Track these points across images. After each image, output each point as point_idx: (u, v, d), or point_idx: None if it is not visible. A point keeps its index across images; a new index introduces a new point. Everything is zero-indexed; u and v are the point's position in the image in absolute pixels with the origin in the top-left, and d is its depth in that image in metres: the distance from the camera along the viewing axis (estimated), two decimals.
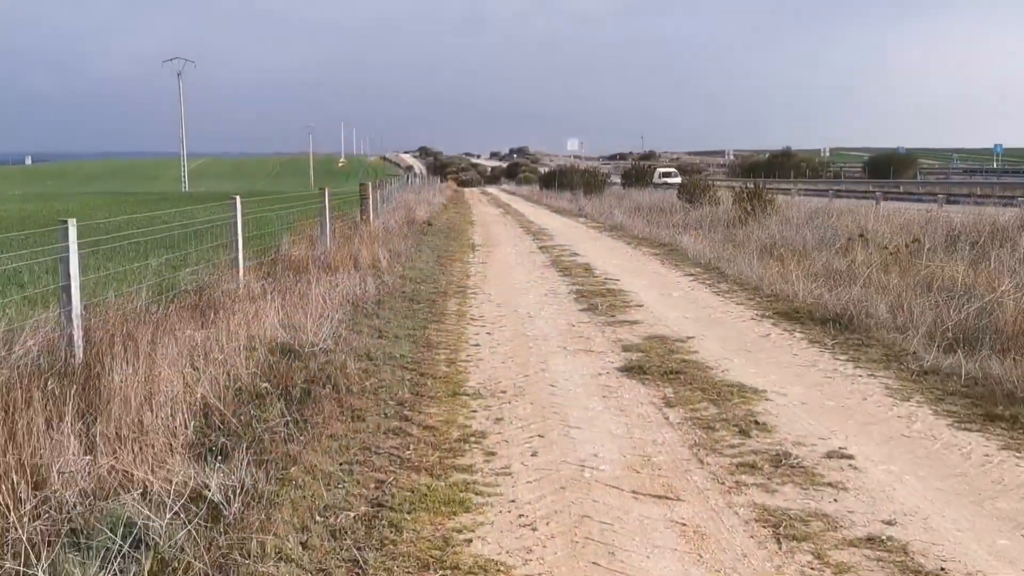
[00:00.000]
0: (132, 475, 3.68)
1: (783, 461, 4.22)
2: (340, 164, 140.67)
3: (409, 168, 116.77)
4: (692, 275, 11.34)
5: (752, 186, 21.89)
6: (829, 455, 4.34)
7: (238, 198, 9.46)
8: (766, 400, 5.34)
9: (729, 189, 28.36)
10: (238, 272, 9.20)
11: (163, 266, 11.22)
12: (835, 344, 6.87)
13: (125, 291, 7.54)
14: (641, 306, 8.86)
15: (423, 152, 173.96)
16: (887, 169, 66.84)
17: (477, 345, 7.04)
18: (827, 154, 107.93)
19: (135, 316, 6.67)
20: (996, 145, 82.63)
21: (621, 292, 9.80)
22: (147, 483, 3.56)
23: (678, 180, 42.04)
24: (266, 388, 5.39)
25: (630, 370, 6.09)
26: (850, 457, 4.31)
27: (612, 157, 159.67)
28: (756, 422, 4.87)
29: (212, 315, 6.97)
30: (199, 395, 4.81)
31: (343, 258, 10.81)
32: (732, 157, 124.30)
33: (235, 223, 9.37)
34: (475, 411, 5.19)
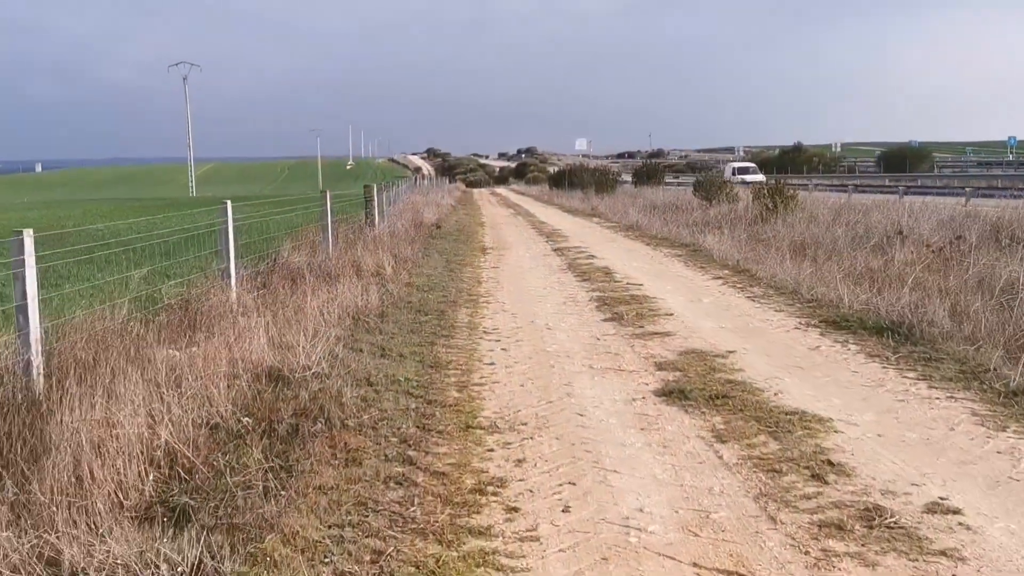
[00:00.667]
0: (62, 554, 2.92)
1: (876, 518, 3.41)
2: (348, 167, 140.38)
3: (417, 170, 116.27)
4: (720, 278, 10.51)
5: (772, 182, 21.11)
6: (930, 509, 3.52)
7: (229, 203, 8.71)
8: (835, 432, 4.53)
9: (744, 185, 27.47)
10: (230, 283, 8.46)
11: (155, 275, 10.52)
12: (899, 359, 6.04)
13: (99, 307, 6.81)
14: (671, 315, 8.05)
15: (431, 153, 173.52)
16: (902, 163, 65.62)
17: (492, 364, 6.25)
18: (838, 149, 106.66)
19: (106, 337, 5.94)
20: (1010, 138, 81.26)
21: (647, 299, 8.98)
22: (76, 569, 2.79)
23: (760, 178, 34.01)
24: (247, 424, 4.62)
25: (669, 394, 5.28)
26: (956, 511, 3.49)
27: (620, 156, 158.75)
28: (830, 462, 4.05)
29: (192, 334, 6.23)
30: (163, 439, 4.04)
31: (345, 265, 10.05)
32: (742, 153, 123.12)
33: (226, 230, 8.62)
34: (492, 450, 4.40)
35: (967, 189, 23.85)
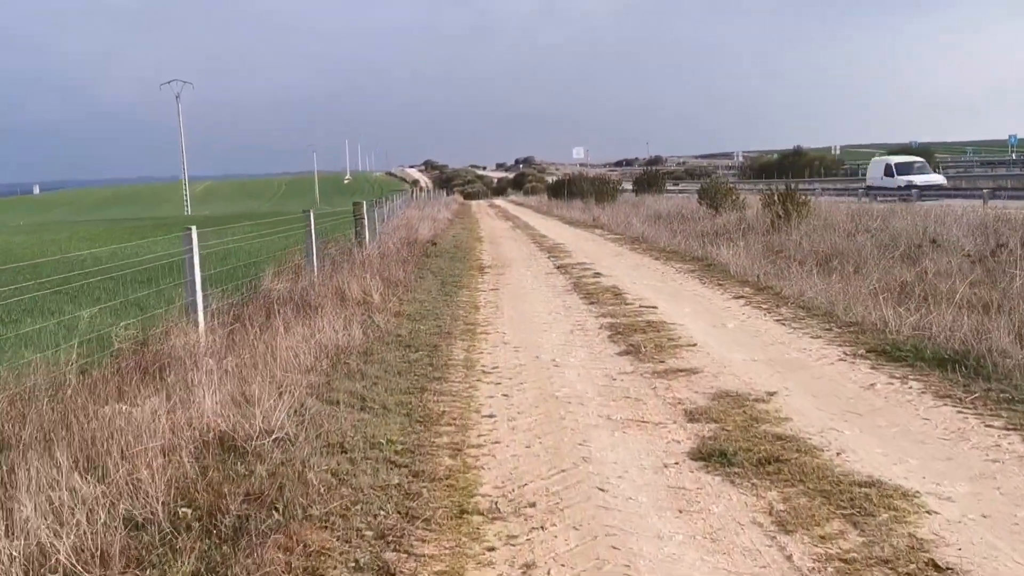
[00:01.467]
0: None
1: None
2: (346, 181, 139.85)
3: (415, 182, 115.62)
4: (742, 297, 9.57)
5: (783, 188, 20.20)
6: None
7: (194, 229, 7.79)
8: (926, 512, 3.57)
9: (750, 192, 26.54)
10: (196, 320, 7.54)
11: (127, 306, 9.62)
12: (974, 400, 5.09)
13: (32, 356, 5.89)
14: (693, 345, 7.10)
15: (428, 166, 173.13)
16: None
17: (491, 416, 5.30)
18: (838, 152, 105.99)
19: (35, 397, 5.02)
20: (1011, 136, 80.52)
21: (664, 325, 8.03)
22: None
23: (937, 178, 25.10)
24: (185, 516, 3.67)
25: (708, 457, 4.33)
26: None
27: (618, 163, 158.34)
28: (935, 566, 3.10)
29: (139, 387, 5.29)
30: (61, 555, 3.09)
31: (327, 293, 9.11)
32: (741, 159, 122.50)
33: (191, 259, 7.70)
34: (492, 548, 3.44)
35: (984, 191, 22.91)
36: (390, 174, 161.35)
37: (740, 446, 4.43)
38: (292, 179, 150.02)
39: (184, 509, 3.72)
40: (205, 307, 7.83)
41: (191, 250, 7.70)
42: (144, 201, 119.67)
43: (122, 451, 4.00)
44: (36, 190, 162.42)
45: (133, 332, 6.91)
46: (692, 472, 4.17)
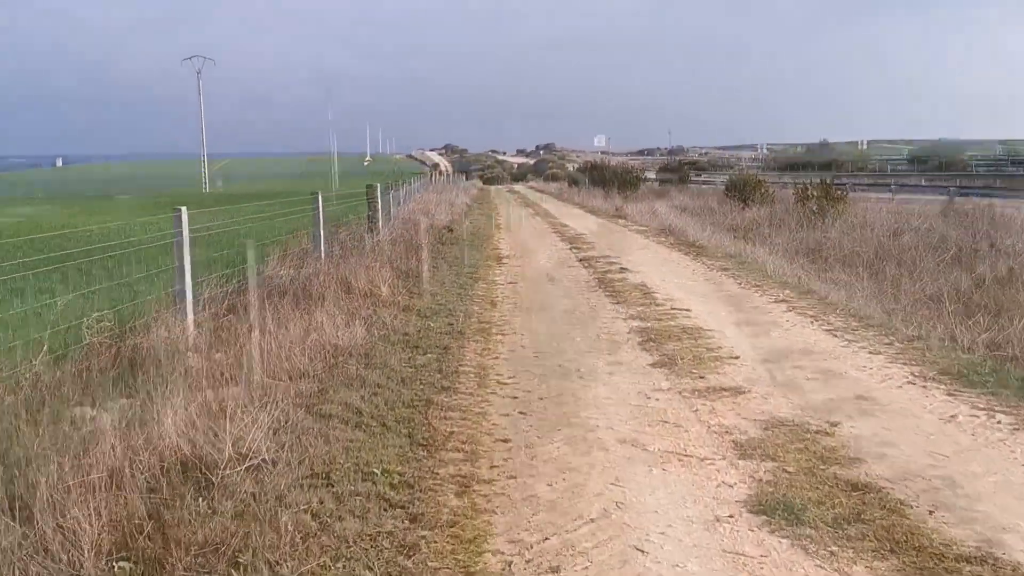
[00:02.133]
0: None
1: None
2: (366, 163, 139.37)
3: (435, 166, 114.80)
4: (784, 301, 8.73)
5: (818, 181, 19.27)
6: None
7: (184, 210, 7.07)
8: None
9: (776, 186, 25.53)
10: (184, 310, 6.84)
11: (120, 288, 8.96)
12: None
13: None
14: (736, 358, 6.29)
15: (449, 149, 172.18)
16: (936, 161, 63.06)
17: (506, 442, 4.55)
18: (865, 146, 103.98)
19: None
20: None
21: (700, 332, 7.23)
22: None
23: None
24: (121, 572, 2.96)
25: (770, 511, 3.54)
26: None
27: (640, 152, 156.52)
28: None
29: (94, 397, 4.58)
30: None
31: (331, 283, 8.38)
32: (765, 151, 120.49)
33: (180, 242, 7.00)
34: None
35: None
36: (410, 157, 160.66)
37: (808, 497, 3.65)
38: (311, 159, 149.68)
39: (122, 564, 3.01)
40: (196, 296, 7.14)
41: (181, 233, 7.00)
42: (162, 176, 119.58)
43: (52, 484, 3.27)
44: (59, 163, 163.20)
45: (109, 324, 6.19)
46: (752, 531, 3.40)
